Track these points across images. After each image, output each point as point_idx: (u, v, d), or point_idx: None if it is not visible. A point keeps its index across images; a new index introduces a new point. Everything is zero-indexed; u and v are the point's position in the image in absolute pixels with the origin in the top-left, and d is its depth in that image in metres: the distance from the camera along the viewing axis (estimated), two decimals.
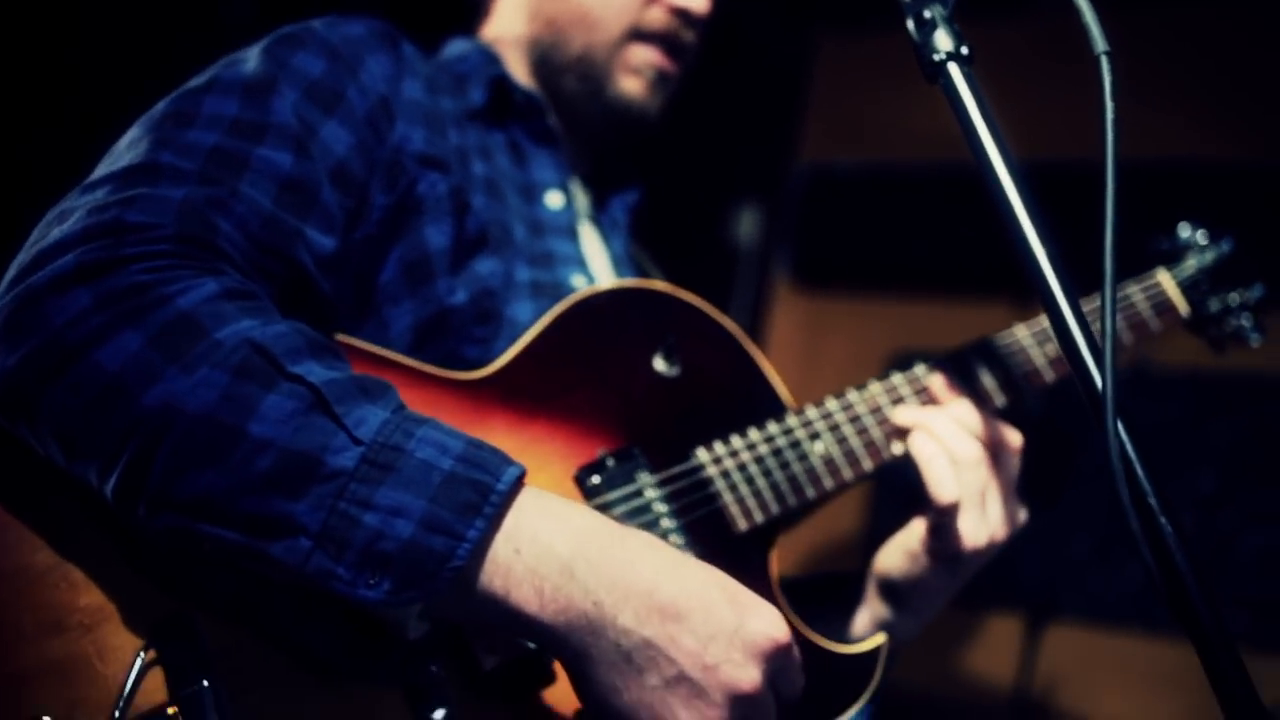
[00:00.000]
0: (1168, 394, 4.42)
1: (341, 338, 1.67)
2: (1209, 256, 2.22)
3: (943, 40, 1.51)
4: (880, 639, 1.81)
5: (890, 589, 1.94)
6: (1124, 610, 4.45)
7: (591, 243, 2.13)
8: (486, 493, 1.37)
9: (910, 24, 1.53)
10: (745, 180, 5.16)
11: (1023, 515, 1.91)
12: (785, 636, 1.42)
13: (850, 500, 4.44)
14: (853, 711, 1.74)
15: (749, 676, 1.39)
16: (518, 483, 1.41)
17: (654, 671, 1.37)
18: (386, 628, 1.45)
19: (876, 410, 1.92)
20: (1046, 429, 4.51)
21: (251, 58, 1.74)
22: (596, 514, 1.46)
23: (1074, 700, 4.40)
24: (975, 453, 1.83)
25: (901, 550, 1.92)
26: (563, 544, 1.40)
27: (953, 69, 1.50)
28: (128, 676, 1.38)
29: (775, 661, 1.42)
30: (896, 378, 1.94)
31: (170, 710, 1.36)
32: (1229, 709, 1.27)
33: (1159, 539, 1.33)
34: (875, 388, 1.92)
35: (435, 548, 1.34)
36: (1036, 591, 4.42)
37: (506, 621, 1.40)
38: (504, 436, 1.69)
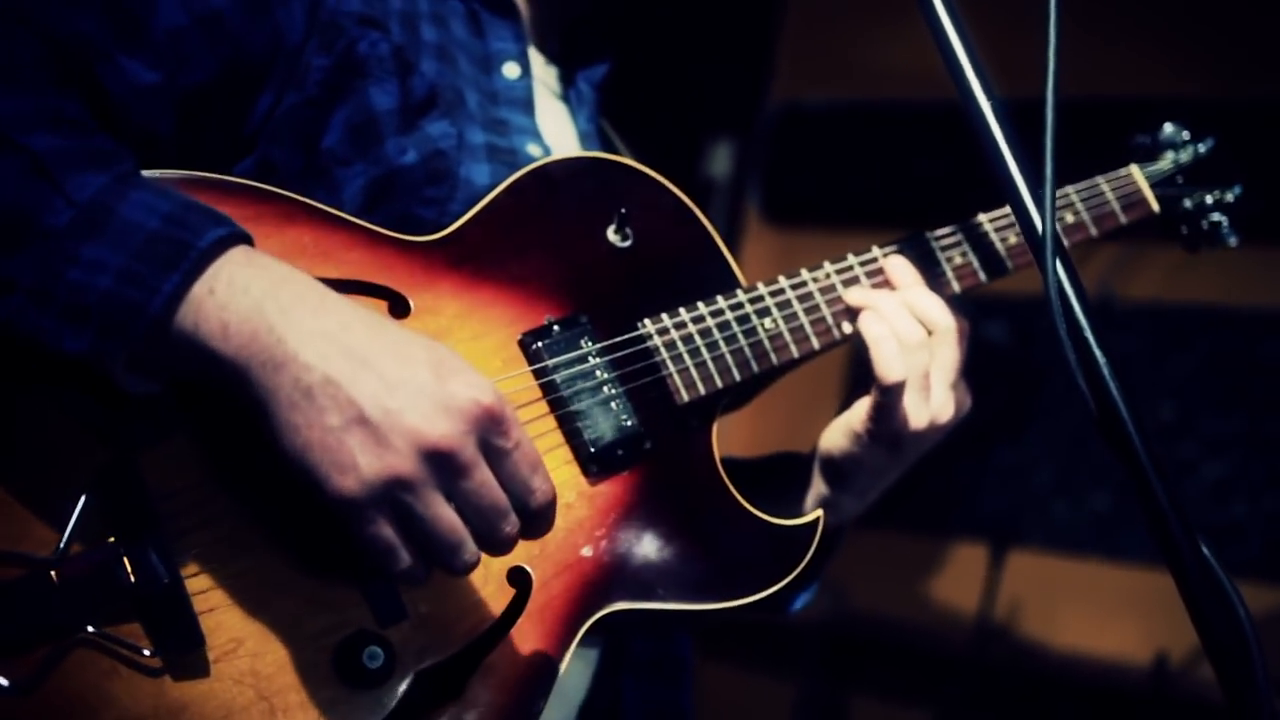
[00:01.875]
0: (1129, 327, 4.38)
1: (294, 196, 1.61)
2: (1186, 154, 2.15)
3: None
4: (817, 513, 1.75)
5: (832, 467, 1.88)
6: (1085, 538, 4.42)
7: (556, 118, 2.04)
8: (186, 249, 1.34)
9: None
10: (718, 115, 5.09)
11: (967, 402, 1.84)
12: (495, 403, 1.35)
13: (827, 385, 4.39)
14: (786, 580, 1.68)
15: (440, 429, 1.31)
16: (220, 242, 1.37)
17: (334, 410, 1.31)
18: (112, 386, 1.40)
19: (828, 290, 1.85)
20: (1013, 358, 4.52)
21: None
22: (307, 275, 1.42)
23: (1035, 625, 4.37)
24: (919, 335, 1.77)
25: (844, 429, 1.85)
26: (258, 286, 1.36)
27: None
28: (71, 515, 1.38)
29: (481, 426, 1.34)
30: (851, 258, 1.87)
31: (110, 539, 1.37)
32: (1159, 538, 1.39)
33: (1094, 368, 1.36)
34: (829, 268, 1.85)
35: (131, 299, 1.32)
36: (1000, 520, 4.39)
37: (200, 363, 1.36)
38: (451, 299, 1.63)
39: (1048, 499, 4.50)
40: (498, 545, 1.39)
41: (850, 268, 1.86)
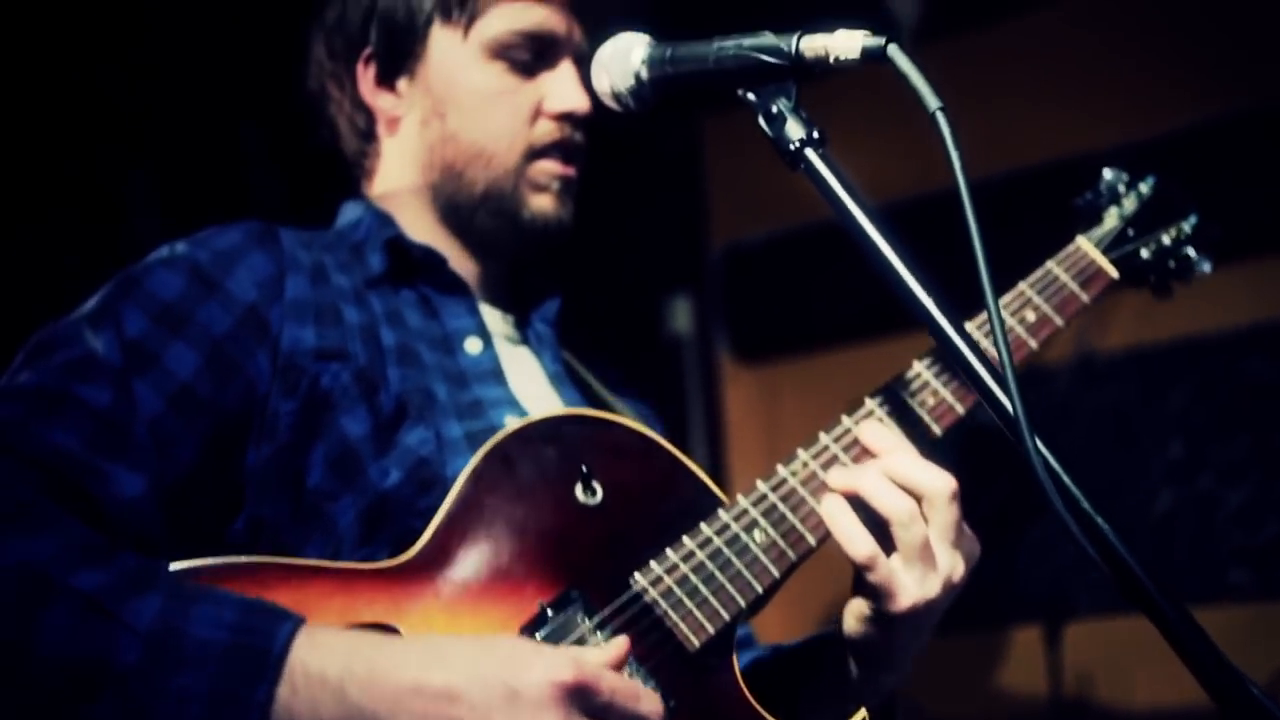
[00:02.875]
0: (1116, 376, 4.34)
1: (264, 560, 1.61)
2: (1130, 202, 2.09)
3: (794, 129, 1.55)
4: (860, 716, 1.69)
5: (859, 651, 1.80)
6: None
7: (525, 367, 2.04)
8: (265, 656, 1.39)
9: (761, 121, 1.57)
10: (668, 272, 5.09)
11: (976, 550, 1.77)
12: (572, 674, 1.40)
13: None
14: None
15: None
16: (292, 637, 1.41)
17: None
18: None
19: (810, 480, 1.79)
20: (1006, 441, 4.45)
21: (102, 289, 1.77)
22: (363, 635, 1.48)
23: (1108, 692, 4.26)
24: (909, 508, 1.69)
25: (857, 614, 1.76)
26: (331, 669, 1.40)
27: (809, 154, 1.54)
28: None
29: (575, 700, 1.40)
30: (824, 438, 1.82)
31: None
32: (1201, 677, 1.36)
33: (1098, 535, 1.37)
34: (803, 456, 1.80)
35: None
36: (1045, 598, 4.30)
37: None
38: (440, 614, 1.59)
39: (1086, 564, 4.40)
40: None
41: (825, 449, 1.81)
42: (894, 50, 1.47)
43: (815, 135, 1.54)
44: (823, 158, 1.54)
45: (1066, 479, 1.37)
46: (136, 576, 1.43)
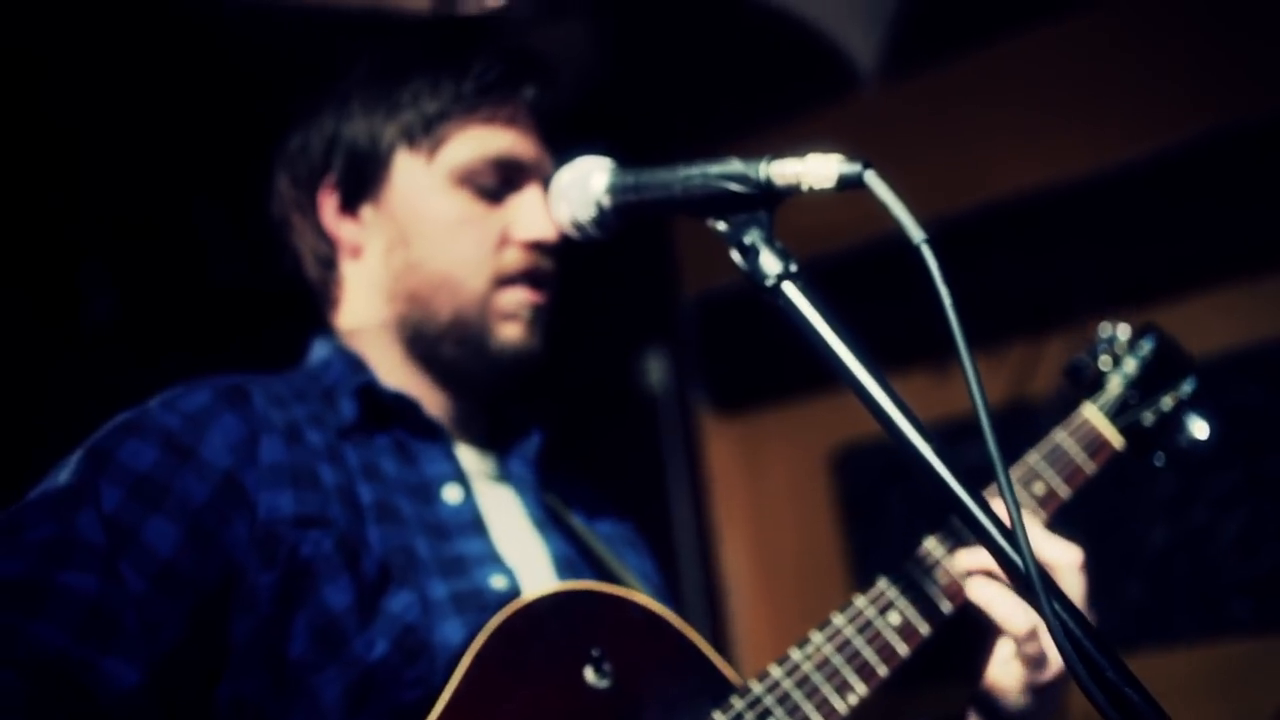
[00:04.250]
0: None
1: None
2: (1131, 366, 2.01)
3: (770, 264, 1.46)
4: None
5: None
6: (1129, 632, 4.19)
7: (507, 512, 1.92)
8: None
9: (735, 255, 1.49)
10: (639, 330, 4.93)
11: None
12: None
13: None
14: None
15: None
16: None
17: None
18: None
19: (824, 664, 1.67)
20: None
21: (72, 460, 1.63)
22: None
23: None
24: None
25: (1002, 691, 1.75)
26: None
27: (787, 288, 1.45)
28: None
29: None
30: (838, 619, 1.70)
31: None
32: None
33: (1127, 706, 1.23)
34: (817, 639, 1.68)
35: None
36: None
37: None
38: None
39: None
40: None
41: (839, 630, 1.69)
42: (871, 178, 1.33)
43: (792, 269, 1.45)
44: (802, 291, 1.45)
45: (1089, 645, 1.25)
46: None
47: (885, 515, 4.63)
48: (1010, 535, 1.29)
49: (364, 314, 1.97)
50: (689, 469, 4.79)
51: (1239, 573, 4.07)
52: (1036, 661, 1.68)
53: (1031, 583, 1.25)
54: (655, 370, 4.87)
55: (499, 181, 1.93)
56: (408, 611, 1.65)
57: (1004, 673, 1.73)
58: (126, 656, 1.47)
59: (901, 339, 4.43)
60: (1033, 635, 1.66)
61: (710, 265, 4.87)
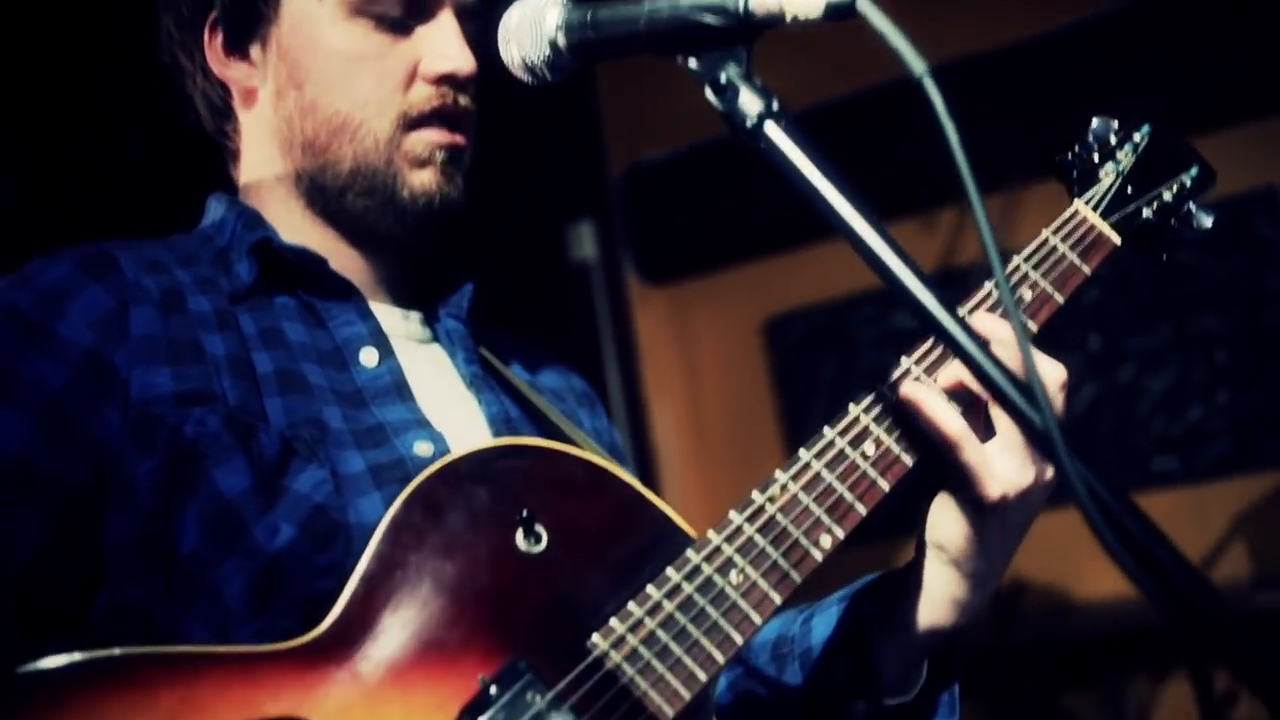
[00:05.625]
0: None
1: (143, 651, 1.25)
2: (1125, 156, 1.77)
3: (750, 103, 1.27)
4: None
5: (938, 563, 1.54)
6: (1058, 486, 4.17)
7: (435, 374, 1.69)
8: None
9: (710, 94, 1.29)
10: (569, 198, 4.76)
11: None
12: None
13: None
14: None
15: None
16: None
17: None
18: None
19: (791, 506, 1.45)
20: None
21: None
22: None
23: (1043, 585, 4.11)
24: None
25: (939, 515, 1.52)
26: None
27: (770, 129, 1.26)
28: None
29: None
30: (805, 454, 1.50)
31: None
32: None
33: (1148, 555, 1.13)
34: (782, 478, 1.46)
35: None
36: None
37: None
38: (361, 702, 1.26)
39: None
40: None
41: (807, 466, 1.48)
42: (865, 4, 1.15)
43: (775, 107, 1.25)
44: (787, 131, 1.25)
45: (1108, 496, 1.12)
46: None
47: (817, 382, 4.55)
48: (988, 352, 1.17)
49: (261, 166, 1.72)
50: (619, 339, 4.67)
51: (1164, 428, 4.04)
52: (972, 475, 1.46)
53: (1035, 400, 1.13)
54: (585, 241, 4.71)
55: (404, 9, 1.67)
56: (317, 490, 1.45)
57: (939, 502, 1.52)
58: None
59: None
60: (963, 441, 1.46)
61: (637, 137, 4.71)
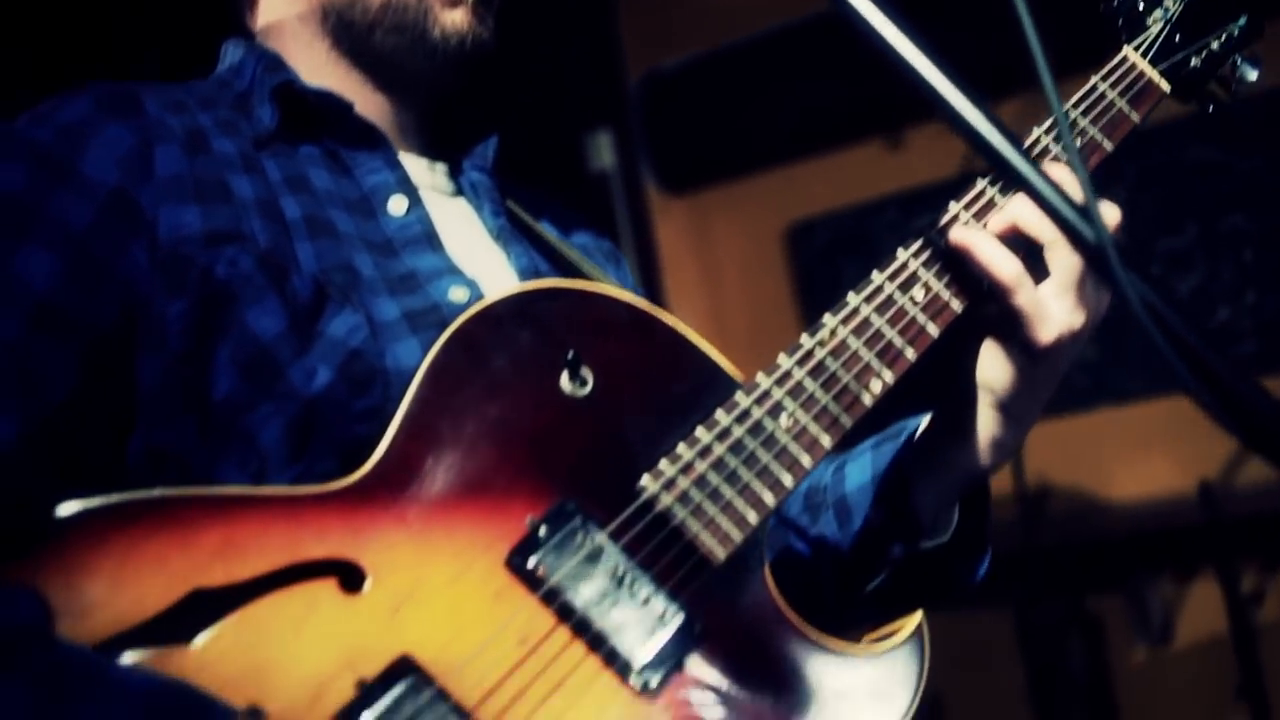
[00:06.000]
0: None
1: (183, 493, 1.23)
2: (1174, 4, 1.73)
3: None
4: (916, 618, 1.39)
5: (980, 406, 1.53)
6: (1084, 390, 4.13)
7: (462, 225, 1.64)
8: None
9: None
10: (587, 107, 4.70)
11: (1107, 301, 1.52)
12: None
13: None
14: (908, 709, 1.32)
15: None
16: None
17: None
18: None
19: (841, 350, 1.44)
20: None
21: None
22: None
23: (1069, 487, 4.08)
24: (1055, 235, 1.44)
25: (986, 359, 1.51)
26: None
27: None
28: None
29: None
30: (854, 298, 1.46)
31: None
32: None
33: (1210, 373, 1.15)
34: (831, 322, 1.45)
35: None
36: None
37: None
38: (407, 544, 1.25)
39: None
40: None
41: (856, 311, 1.46)
42: None
43: None
44: None
45: (1168, 311, 1.18)
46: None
47: (840, 289, 4.49)
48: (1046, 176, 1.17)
49: (282, 6, 1.66)
50: (639, 249, 4.63)
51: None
52: (1025, 318, 1.46)
53: (1099, 234, 1.14)
54: (603, 150, 4.66)
55: None
56: (352, 335, 1.41)
57: (986, 348, 1.52)
58: None
59: (851, 113, 4.28)
60: (1019, 284, 1.44)
61: (655, 43, 4.64)
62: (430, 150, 1.70)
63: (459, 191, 1.70)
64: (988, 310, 1.49)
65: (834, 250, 4.50)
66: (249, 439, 1.36)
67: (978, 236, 1.46)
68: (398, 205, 1.55)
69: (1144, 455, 4.00)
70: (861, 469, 1.66)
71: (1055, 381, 1.53)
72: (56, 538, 1.15)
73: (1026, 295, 1.44)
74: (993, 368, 1.51)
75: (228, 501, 1.23)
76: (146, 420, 1.37)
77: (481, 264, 1.59)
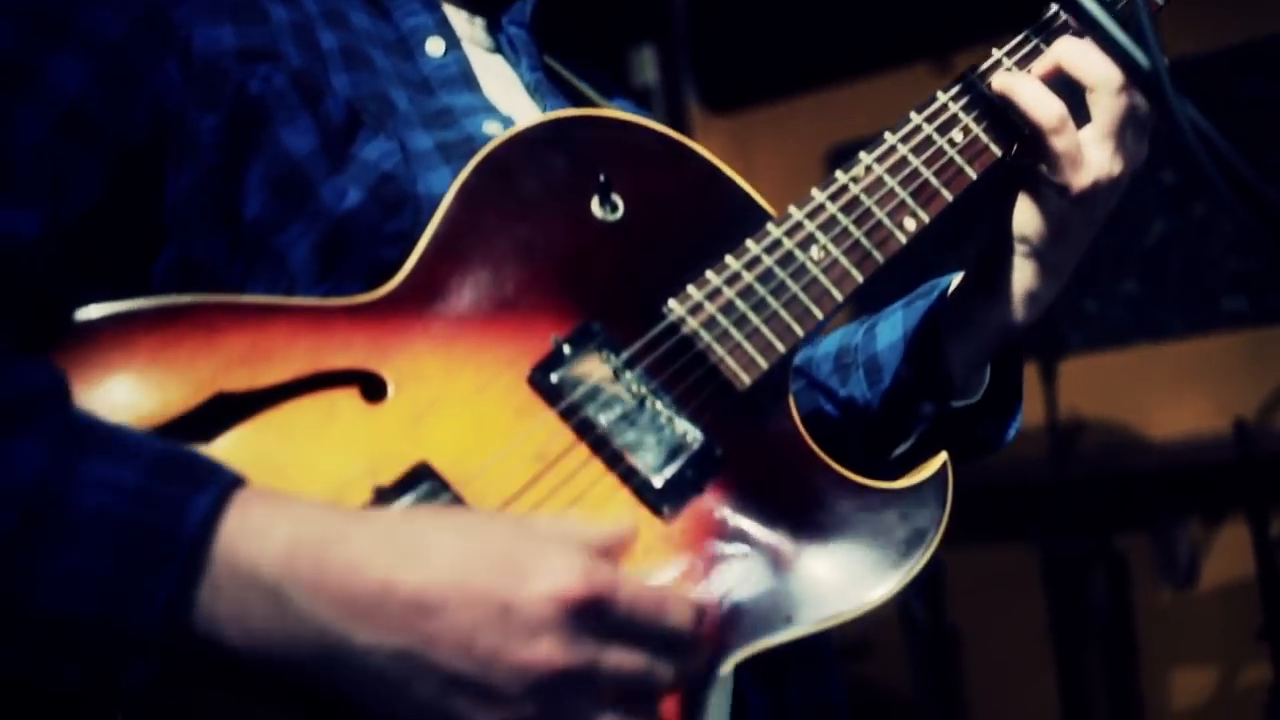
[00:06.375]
0: None
1: (210, 299, 1.22)
2: None
3: None
4: (940, 459, 1.37)
5: (1016, 255, 1.53)
6: (1125, 325, 4.08)
7: (499, 77, 1.62)
8: (170, 541, 1.00)
9: None
10: (632, 21, 4.65)
11: (1144, 151, 1.51)
12: (582, 587, 1.02)
13: None
14: (928, 546, 1.29)
15: (543, 652, 1.01)
16: (210, 513, 1.02)
17: (420, 683, 1.02)
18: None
19: (876, 187, 1.42)
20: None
21: None
22: (318, 508, 1.07)
23: (1102, 423, 4.04)
24: (1115, 74, 1.43)
25: (1024, 204, 1.50)
26: (267, 563, 1.02)
27: None
28: None
29: (585, 619, 1.02)
30: (890, 137, 1.44)
31: None
32: None
33: (1258, 199, 1.16)
34: (867, 159, 1.42)
35: (120, 621, 1.00)
36: (1037, 334, 4.01)
37: (227, 661, 1.04)
38: (431, 356, 1.24)
39: (1077, 300, 4.14)
40: (664, 695, 1.11)
41: (892, 149, 1.43)
42: None
43: None
44: None
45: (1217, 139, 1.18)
46: (11, 408, 1.05)
47: None
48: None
49: None
50: None
51: (1235, 267, 3.94)
52: (1065, 161, 1.45)
53: (1154, 58, 1.14)
54: (647, 66, 4.62)
55: None
56: (385, 159, 1.39)
57: (1026, 192, 1.50)
58: (21, 203, 1.24)
59: (900, 35, 4.22)
60: (1063, 126, 1.44)
61: None
62: (469, 4, 1.67)
63: (497, 49, 1.67)
64: (1025, 159, 1.48)
65: None
66: (278, 259, 1.35)
67: (1021, 79, 1.47)
68: (435, 46, 1.53)
69: (1180, 394, 3.96)
70: (893, 326, 1.65)
71: (1090, 233, 1.53)
72: (81, 340, 1.15)
73: (1068, 138, 1.43)
74: (1029, 217, 1.50)
75: (255, 309, 1.23)
76: (177, 235, 1.35)
77: (517, 109, 1.57)
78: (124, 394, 1.14)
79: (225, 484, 1.04)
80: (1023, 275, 1.52)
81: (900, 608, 4.14)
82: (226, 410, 1.16)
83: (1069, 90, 1.46)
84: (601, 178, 1.33)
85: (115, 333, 1.16)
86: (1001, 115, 1.47)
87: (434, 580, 1.01)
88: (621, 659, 1.04)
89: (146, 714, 1.04)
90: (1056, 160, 1.44)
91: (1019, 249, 1.52)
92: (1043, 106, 1.44)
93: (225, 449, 1.13)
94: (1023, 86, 1.45)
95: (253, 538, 1.02)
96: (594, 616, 1.02)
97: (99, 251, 1.29)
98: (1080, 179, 1.45)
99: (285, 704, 1.07)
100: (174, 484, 1.02)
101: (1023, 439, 4.04)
